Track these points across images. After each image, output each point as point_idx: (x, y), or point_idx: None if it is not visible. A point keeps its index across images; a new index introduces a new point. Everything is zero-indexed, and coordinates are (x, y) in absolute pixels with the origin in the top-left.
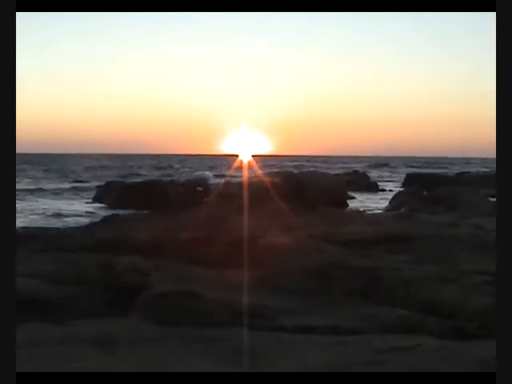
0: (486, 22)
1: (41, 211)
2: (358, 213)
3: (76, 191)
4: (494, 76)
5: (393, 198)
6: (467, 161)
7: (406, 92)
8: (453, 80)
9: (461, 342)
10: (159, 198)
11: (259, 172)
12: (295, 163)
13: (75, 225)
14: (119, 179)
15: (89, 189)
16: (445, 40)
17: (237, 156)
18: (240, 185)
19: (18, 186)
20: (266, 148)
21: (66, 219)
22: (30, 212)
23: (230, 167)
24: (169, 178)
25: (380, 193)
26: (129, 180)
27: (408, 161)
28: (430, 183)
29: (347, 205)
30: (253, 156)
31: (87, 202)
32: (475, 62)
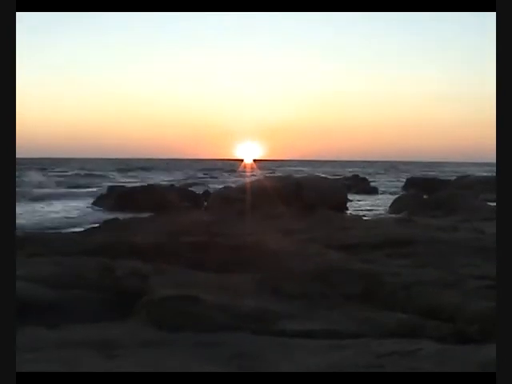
0: (485, 22)
1: (41, 214)
2: (358, 217)
3: (76, 195)
4: (494, 76)
5: (393, 202)
6: (467, 165)
7: (405, 93)
8: (452, 80)
9: (461, 345)
10: (159, 202)
11: (260, 176)
12: (296, 167)
13: (75, 228)
14: (120, 183)
15: (89, 193)
16: (444, 40)
17: (238, 160)
18: (240, 189)
19: (17, 190)
20: (267, 153)
21: (65, 223)
22: (30, 215)
23: (231, 171)
24: (169, 182)
25: (380, 197)
26: (128, 184)
27: (408, 165)
28: (430, 187)
29: (347, 209)
30: (254, 160)
31: (87, 206)
32: (475, 62)
